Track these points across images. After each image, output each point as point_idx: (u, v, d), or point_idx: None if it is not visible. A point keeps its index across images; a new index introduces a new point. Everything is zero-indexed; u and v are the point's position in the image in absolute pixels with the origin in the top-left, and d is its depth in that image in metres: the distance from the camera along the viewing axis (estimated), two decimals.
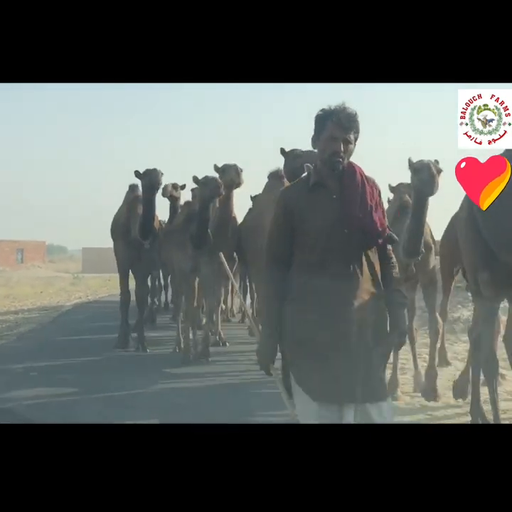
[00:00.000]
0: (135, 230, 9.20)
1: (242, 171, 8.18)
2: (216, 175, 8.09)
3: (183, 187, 10.79)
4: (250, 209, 9.86)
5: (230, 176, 8.04)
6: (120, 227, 9.72)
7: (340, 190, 3.10)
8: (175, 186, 10.70)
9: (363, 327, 3.01)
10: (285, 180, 7.64)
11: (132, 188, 9.98)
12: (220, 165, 8.45)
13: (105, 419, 5.62)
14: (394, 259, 3.23)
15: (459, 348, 9.02)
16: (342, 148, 3.06)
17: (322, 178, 3.14)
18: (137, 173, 8.79)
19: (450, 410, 5.98)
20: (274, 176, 8.03)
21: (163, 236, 9.86)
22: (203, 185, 7.87)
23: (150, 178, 8.66)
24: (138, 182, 9.29)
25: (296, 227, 3.17)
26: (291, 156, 7.80)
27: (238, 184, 8.19)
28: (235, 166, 8.21)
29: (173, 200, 10.64)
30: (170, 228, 9.75)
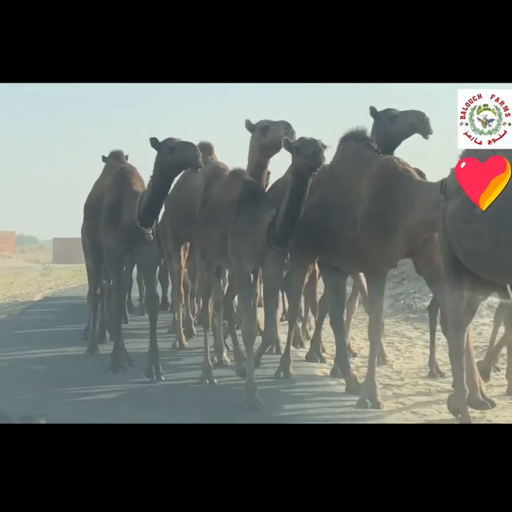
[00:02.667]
0: (131, 213, 6.76)
1: (294, 131, 6.13)
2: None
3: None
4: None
5: (277, 134, 6.08)
6: (106, 209, 7.14)
7: None
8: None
9: None
10: (374, 144, 6.08)
11: (116, 155, 7.73)
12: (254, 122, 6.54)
13: (76, 412, 5.54)
14: None
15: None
16: None
17: None
18: (155, 142, 6.33)
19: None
20: (354, 138, 6.11)
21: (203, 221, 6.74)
22: (299, 150, 5.32)
23: (191, 156, 6.10)
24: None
25: None
26: (385, 117, 6.58)
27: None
28: (284, 122, 6.26)
29: None
30: (208, 213, 6.55)
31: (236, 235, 5.81)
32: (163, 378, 6.60)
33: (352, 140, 6.08)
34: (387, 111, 6.52)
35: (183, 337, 8.42)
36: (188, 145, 6.18)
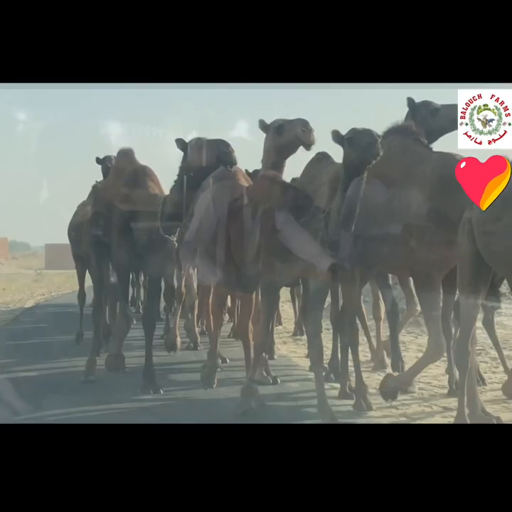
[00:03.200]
0: (148, 221, 6.17)
1: (312, 129, 5.73)
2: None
3: None
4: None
5: (294, 133, 5.76)
6: (118, 220, 6.43)
7: None
8: None
9: None
10: (424, 139, 5.48)
11: (126, 154, 6.89)
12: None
13: (67, 418, 5.52)
14: None
15: (423, 341, 9.19)
16: None
17: None
18: (181, 143, 5.84)
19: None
20: (400, 132, 5.54)
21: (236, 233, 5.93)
22: (351, 141, 4.69)
23: (223, 153, 5.60)
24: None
25: None
26: (425, 111, 6.07)
27: (309, 145, 5.82)
28: (301, 120, 5.80)
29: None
30: (241, 224, 5.84)
31: (276, 249, 5.17)
32: (162, 392, 6.26)
33: (398, 135, 5.49)
34: (427, 103, 6.04)
35: (179, 341, 8.33)
36: (219, 142, 5.65)
